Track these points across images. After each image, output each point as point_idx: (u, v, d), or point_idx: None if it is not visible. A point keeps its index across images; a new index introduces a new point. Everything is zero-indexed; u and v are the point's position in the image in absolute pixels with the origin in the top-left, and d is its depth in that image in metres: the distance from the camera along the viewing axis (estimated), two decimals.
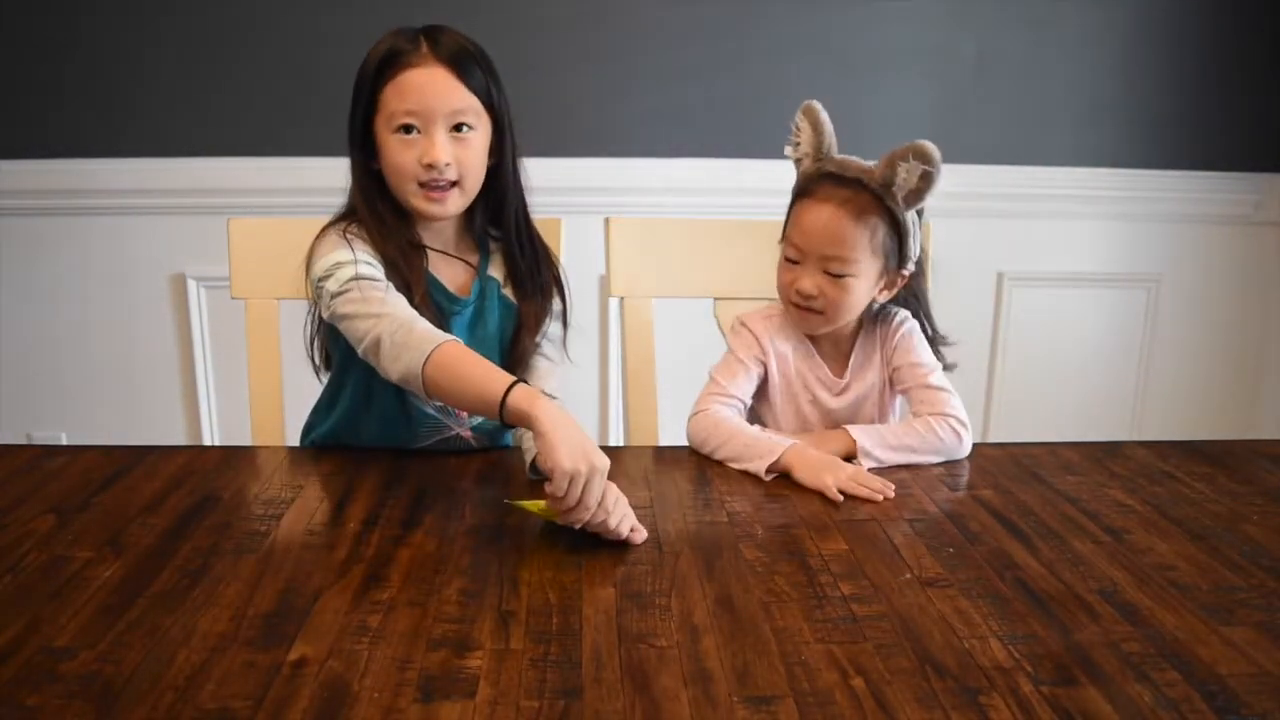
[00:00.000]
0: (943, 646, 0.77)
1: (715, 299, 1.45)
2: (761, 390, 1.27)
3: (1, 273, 2.07)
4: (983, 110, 2.13)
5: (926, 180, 1.11)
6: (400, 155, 1.10)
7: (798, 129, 1.19)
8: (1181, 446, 1.25)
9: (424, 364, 0.98)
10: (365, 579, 0.86)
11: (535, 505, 0.96)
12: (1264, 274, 2.31)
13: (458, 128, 1.10)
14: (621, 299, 1.44)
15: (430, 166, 1.09)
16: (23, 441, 2.10)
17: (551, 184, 2.05)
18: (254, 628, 0.78)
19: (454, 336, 1.03)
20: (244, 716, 0.66)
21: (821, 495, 1.07)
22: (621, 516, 0.93)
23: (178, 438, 2.18)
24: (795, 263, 1.19)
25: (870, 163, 1.16)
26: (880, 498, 1.06)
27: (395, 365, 1.01)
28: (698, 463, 1.18)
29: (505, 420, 0.96)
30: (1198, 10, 2.14)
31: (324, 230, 1.15)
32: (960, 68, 2.11)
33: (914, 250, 1.19)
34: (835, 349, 1.27)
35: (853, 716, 0.68)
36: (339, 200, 1.19)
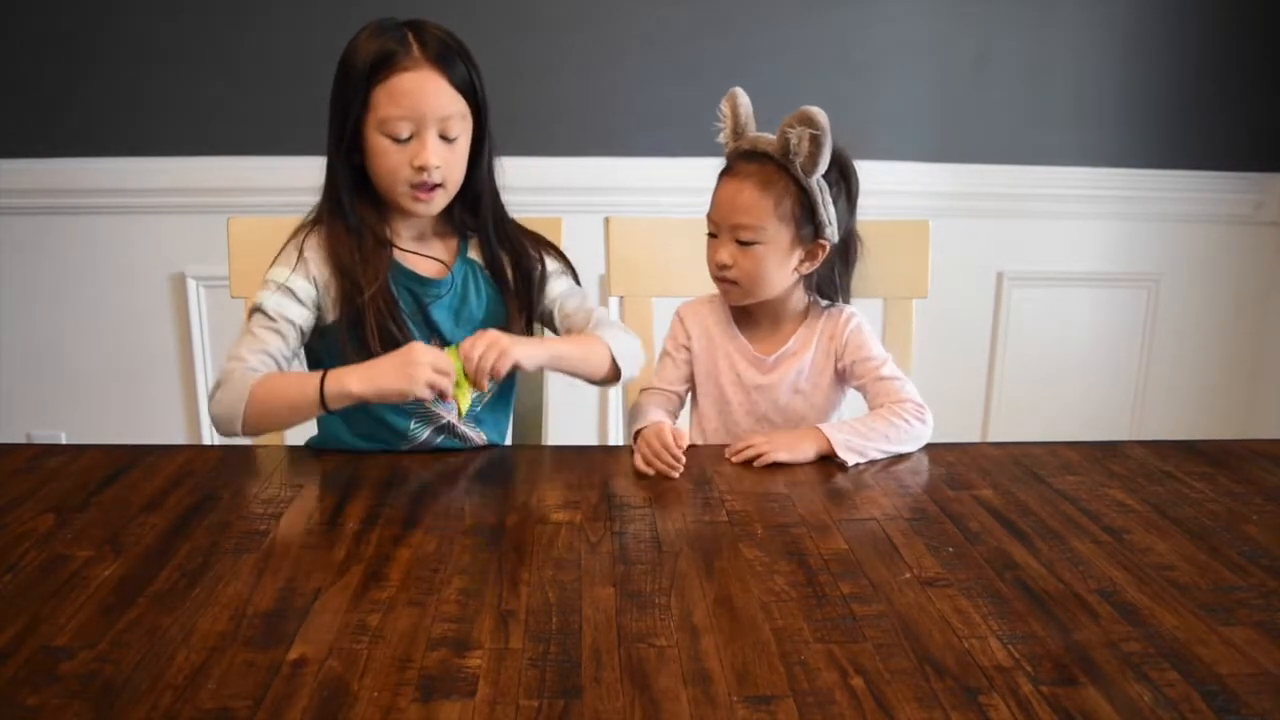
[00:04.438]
0: (942, 646, 0.77)
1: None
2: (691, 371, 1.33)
3: (2, 273, 2.07)
4: (983, 110, 2.13)
5: (816, 144, 1.15)
6: (393, 158, 1.13)
7: (723, 115, 1.24)
8: (1181, 446, 1.25)
9: (247, 398, 1.09)
10: (365, 579, 0.86)
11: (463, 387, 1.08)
12: (1264, 274, 2.31)
13: (445, 132, 1.13)
14: (621, 299, 1.44)
15: (421, 169, 1.13)
16: (23, 441, 2.10)
17: (551, 184, 2.04)
18: (253, 627, 0.78)
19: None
20: (243, 716, 0.66)
21: (821, 493, 1.07)
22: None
23: (178, 437, 2.18)
24: (714, 236, 1.25)
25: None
26: (677, 473, 1.11)
27: (217, 405, 1.12)
28: (698, 462, 1.18)
29: (326, 404, 1.07)
30: (1197, 10, 2.13)
31: (294, 233, 1.19)
32: (960, 67, 2.11)
33: (828, 217, 1.21)
34: (773, 331, 1.30)
35: (852, 716, 0.68)
36: None
